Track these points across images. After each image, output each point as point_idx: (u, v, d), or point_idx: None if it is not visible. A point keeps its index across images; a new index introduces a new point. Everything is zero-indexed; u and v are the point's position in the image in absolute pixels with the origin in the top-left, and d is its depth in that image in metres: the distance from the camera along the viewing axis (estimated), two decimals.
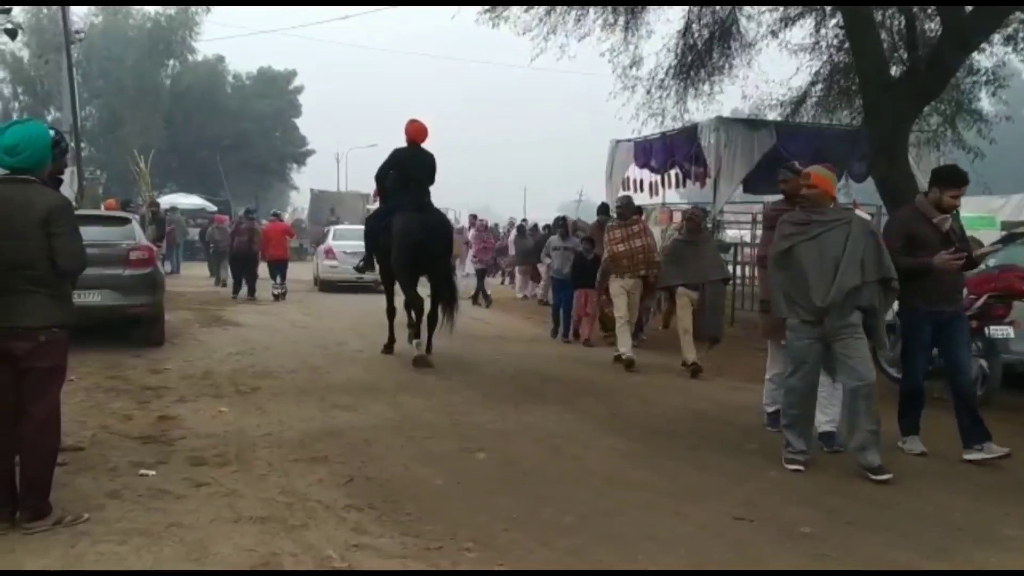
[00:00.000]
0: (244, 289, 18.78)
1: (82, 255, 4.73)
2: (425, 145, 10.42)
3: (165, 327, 11.47)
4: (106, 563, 4.12)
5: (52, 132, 4.94)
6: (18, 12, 21.37)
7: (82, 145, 24.38)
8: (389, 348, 11.03)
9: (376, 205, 12.61)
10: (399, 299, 10.68)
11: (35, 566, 4.08)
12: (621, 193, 16.91)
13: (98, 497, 5.01)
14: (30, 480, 4.51)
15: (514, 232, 23.83)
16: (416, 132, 10.38)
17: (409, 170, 10.26)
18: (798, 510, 5.27)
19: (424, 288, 10.55)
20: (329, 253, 21.33)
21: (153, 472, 5.56)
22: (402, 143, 10.46)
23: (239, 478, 5.52)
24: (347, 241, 20.63)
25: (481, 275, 19.37)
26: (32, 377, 4.53)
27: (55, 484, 4.70)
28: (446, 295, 10.55)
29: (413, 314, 10.33)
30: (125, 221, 11.95)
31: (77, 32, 24.81)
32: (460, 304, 11.10)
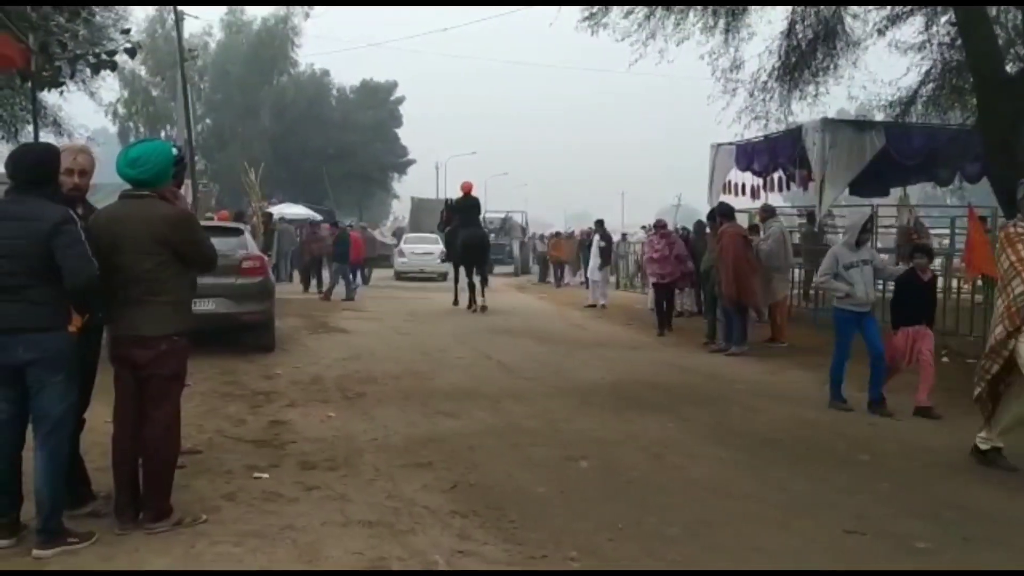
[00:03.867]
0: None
1: (211, 255, 4.97)
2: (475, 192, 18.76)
3: (275, 333, 11.84)
4: (223, 563, 4.28)
5: (175, 150, 5.17)
6: (136, 31, 22.44)
7: (196, 158, 25.37)
8: (456, 302, 18.72)
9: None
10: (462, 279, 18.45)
11: (157, 565, 4.26)
12: (721, 198, 16.69)
13: (215, 499, 5.20)
14: (152, 482, 4.70)
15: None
16: (467, 188, 18.60)
17: (465, 210, 18.48)
18: (912, 524, 5.10)
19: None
20: (401, 253, 29.84)
21: (266, 475, 5.75)
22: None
23: (348, 482, 5.66)
24: (414, 245, 29.36)
25: (660, 293, 14.83)
26: (153, 384, 4.72)
27: (175, 486, 4.89)
28: (480, 275, 18.16)
29: (469, 289, 18.08)
30: (238, 231, 12.38)
31: (191, 51, 25.84)
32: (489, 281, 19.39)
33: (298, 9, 49.14)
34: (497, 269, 30.96)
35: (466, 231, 17.98)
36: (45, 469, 4.34)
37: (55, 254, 4.28)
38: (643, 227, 26.48)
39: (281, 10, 50.18)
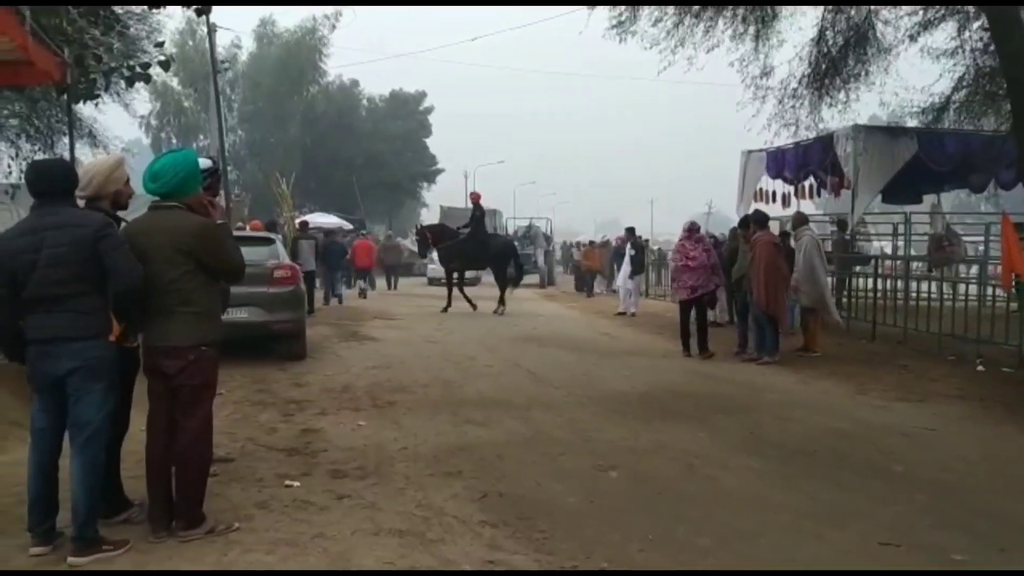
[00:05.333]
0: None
1: (236, 265, 4.97)
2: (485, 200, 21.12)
3: (306, 342, 11.92)
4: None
5: (209, 161, 5.22)
6: (169, 43, 22.71)
7: (228, 168, 25.62)
8: (447, 308, 19.42)
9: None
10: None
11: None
12: (753, 205, 16.59)
13: (247, 507, 5.24)
14: (185, 490, 4.74)
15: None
16: (476, 197, 20.66)
17: (478, 219, 19.89)
18: (948, 535, 5.02)
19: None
20: (431, 260, 29.82)
21: (298, 483, 5.78)
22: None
23: (378, 491, 5.67)
24: None
25: (686, 308, 12.77)
26: (184, 393, 4.76)
27: (208, 494, 4.93)
28: (503, 279, 20.00)
29: (502, 290, 19.84)
30: (269, 241, 12.50)
31: (223, 62, 26.10)
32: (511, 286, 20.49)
33: (325, 20, 49.85)
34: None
35: (497, 239, 21.06)
36: (82, 477, 4.39)
37: (103, 258, 4.37)
38: (628, 229, 26.02)
39: (308, 20, 50.80)
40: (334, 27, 50.45)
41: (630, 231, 21.91)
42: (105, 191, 4.84)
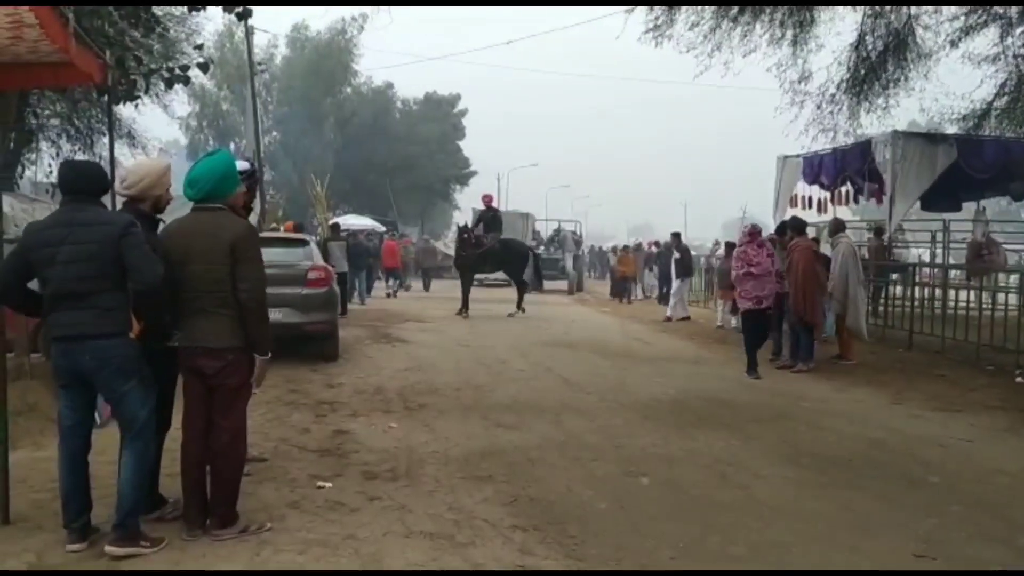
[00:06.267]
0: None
1: (261, 283, 4.84)
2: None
3: (339, 343, 11.99)
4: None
5: (247, 163, 5.26)
6: (207, 46, 22.95)
7: (263, 169, 25.88)
8: (465, 311, 19.14)
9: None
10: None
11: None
12: (788, 211, 16.45)
13: (280, 507, 5.28)
14: (219, 490, 4.79)
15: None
16: (488, 199, 21.31)
17: (490, 221, 20.29)
18: (986, 548, 4.94)
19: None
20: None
21: (329, 484, 5.81)
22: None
23: (409, 493, 5.69)
24: None
25: (754, 322, 11.56)
26: (221, 393, 4.80)
27: (241, 493, 4.97)
28: (518, 283, 20.26)
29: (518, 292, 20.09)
30: (303, 243, 12.58)
31: (259, 64, 26.37)
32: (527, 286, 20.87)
33: (353, 21, 50.28)
34: (548, 285, 27.77)
35: (513, 243, 21.11)
36: (131, 470, 4.48)
37: (123, 256, 4.42)
38: (716, 241, 26.05)
39: (339, 22, 51.21)
40: (362, 28, 50.85)
41: (676, 236, 21.95)
42: (150, 193, 4.93)
